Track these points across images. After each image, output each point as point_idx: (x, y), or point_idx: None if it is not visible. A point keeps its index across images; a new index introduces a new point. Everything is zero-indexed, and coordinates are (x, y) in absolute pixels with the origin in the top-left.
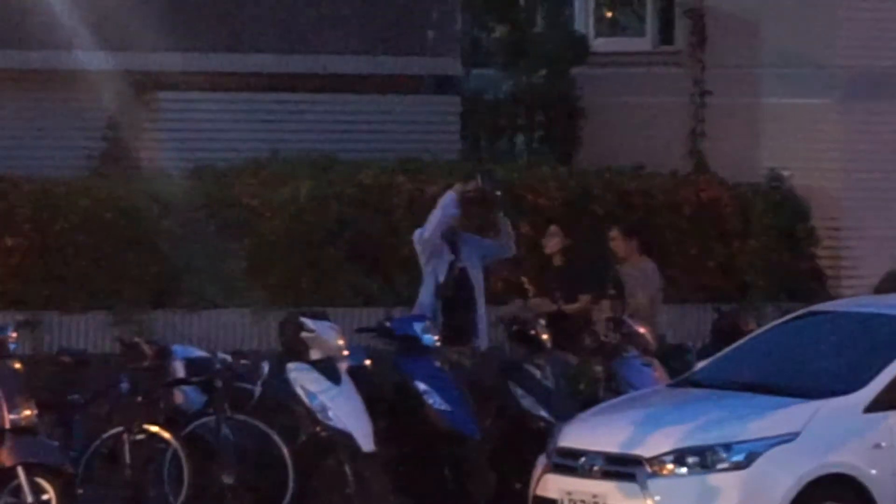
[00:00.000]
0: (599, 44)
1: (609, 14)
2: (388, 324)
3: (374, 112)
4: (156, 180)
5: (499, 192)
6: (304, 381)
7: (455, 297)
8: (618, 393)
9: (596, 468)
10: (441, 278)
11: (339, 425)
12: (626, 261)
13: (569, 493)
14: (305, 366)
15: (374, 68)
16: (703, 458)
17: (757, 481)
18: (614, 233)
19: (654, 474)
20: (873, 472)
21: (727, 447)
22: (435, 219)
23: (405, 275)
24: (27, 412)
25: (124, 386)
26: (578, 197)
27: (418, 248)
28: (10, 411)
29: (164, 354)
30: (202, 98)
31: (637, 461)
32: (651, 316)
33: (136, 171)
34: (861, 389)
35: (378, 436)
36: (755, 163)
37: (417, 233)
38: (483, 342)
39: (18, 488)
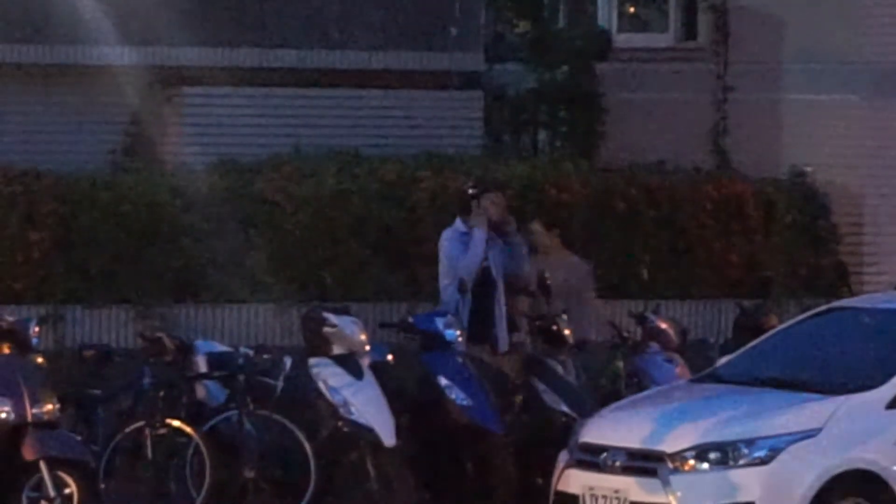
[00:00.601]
0: (622, 39)
1: (632, 9)
2: (410, 319)
3: (397, 107)
4: (178, 175)
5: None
6: (327, 376)
7: (477, 293)
8: (640, 388)
9: (618, 463)
10: (466, 275)
11: (362, 420)
12: (547, 255)
13: (591, 489)
14: (328, 361)
15: (397, 64)
16: (724, 454)
17: (778, 477)
18: (536, 226)
19: (676, 470)
20: (895, 468)
21: (749, 443)
22: (473, 260)
23: (428, 270)
24: (49, 406)
25: (146, 380)
26: (601, 193)
27: (442, 253)
28: (32, 405)
29: (186, 349)
30: (225, 93)
31: (659, 457)
32: (584, 312)
33: (159, 165)
34: (883, 385)
35: (400, 431)
36: (778, 159)
37: (447, 246)
38: (503, 344)
39: (41, 482)
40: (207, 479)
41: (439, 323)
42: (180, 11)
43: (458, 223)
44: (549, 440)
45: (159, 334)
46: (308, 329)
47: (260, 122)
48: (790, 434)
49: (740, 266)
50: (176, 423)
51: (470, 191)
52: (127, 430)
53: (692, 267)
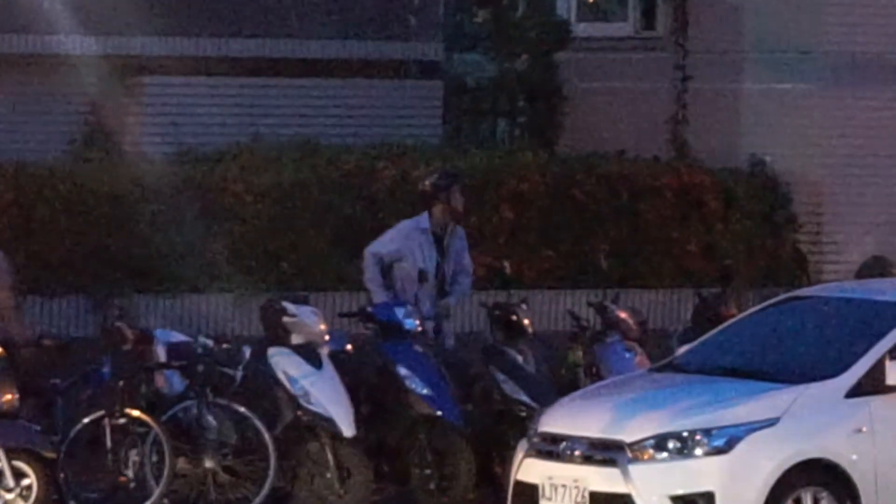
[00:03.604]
0: (582, 29)
1: None
2: (369, 309)
3: (356, 97)
4: (138, 165)
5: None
6: (286, 365)
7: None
8: (599, 378)
9: (577, 453)
10: (424, 265)
11: (321, 410)
12: None
13: (550, 478)
14: (287, 350)
15: (356, 53)
16: (683, 444)
17: (738, 466)
18: None
19: (636, 459)
20: (854, 457)
21: (708, 432)
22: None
23: None
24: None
25: (106, 370)
26: (560, 182)
27: (394, 244)
28: None
29: (145, 339)
30: (185, 82)
31: (618, 446)
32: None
33: (119, 155)
34: (842, 374)
35: (359, 421)
36: (737, 148)
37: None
38: (449, 341)
39: (0, 472)
40: (167, 469)
41: (399, 312)
42: (139, 1)
43: (423, 219)
44: (508, 430)
45: (119, 324)
46: (267, 318)
47: (219, 112)
48: (749, 423)
49: (699, 255)
50: (135, 412)
51: (429, 187)
52: (86, 420)
53: (652, 256)
